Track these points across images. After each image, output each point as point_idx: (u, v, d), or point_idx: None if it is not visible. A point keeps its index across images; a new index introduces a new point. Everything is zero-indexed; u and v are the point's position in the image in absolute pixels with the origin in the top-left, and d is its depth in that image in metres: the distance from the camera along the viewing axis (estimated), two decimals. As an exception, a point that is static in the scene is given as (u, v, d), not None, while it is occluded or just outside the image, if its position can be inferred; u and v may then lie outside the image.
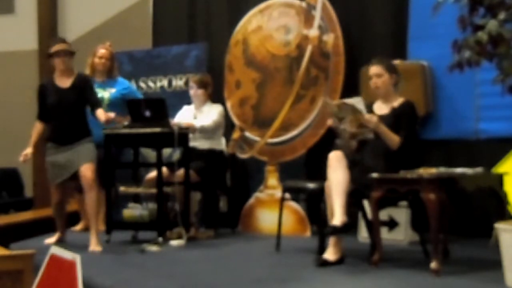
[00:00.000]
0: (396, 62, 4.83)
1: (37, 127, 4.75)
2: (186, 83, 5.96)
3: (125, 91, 5.49)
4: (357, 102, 3.90)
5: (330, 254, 3.81)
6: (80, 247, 4.39)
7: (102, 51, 5.46)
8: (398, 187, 3.61)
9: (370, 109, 4.05)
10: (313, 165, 5.40)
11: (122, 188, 4.97)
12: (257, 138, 5.74)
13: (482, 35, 3.07)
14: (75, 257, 2.77)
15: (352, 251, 4.14)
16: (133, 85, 5.99)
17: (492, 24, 3.06)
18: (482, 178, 3.80)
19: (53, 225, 5.02)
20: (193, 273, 3.76)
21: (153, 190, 4.80)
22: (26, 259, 3.44)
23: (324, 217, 4.02)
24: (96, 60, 5.44)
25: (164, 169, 4.88)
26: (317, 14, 5.51)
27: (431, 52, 4.89)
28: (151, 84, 6.33)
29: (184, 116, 5.38)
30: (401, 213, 4.59)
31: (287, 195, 4.59)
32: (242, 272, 3.76)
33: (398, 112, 4.03)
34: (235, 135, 5.80)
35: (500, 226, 3.20)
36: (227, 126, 5.62)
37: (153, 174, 4.96)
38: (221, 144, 5.43)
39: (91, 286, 3.43)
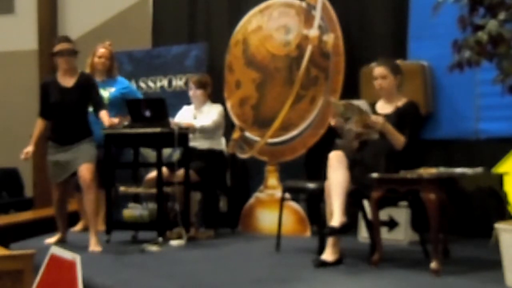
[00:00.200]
0: (396, 62, 4.84)
1: (39, 124, 4.75)
2: (186, 83, 5.96)
3: (125, 90, 5.49)
4: (362, 104, 3.91)
5: (328, 255, 3.81)
6: (80, 247, 4.39)
7: (101, 50, 5.46)
8: (398, 187, 3.61)
9: (372, 109, 4.05)
10: (313, 165, 5.40)
11: (122, 188, 4.97)
12: (257, 138, 5.74)
13: (482, 35, 3.07)
14: (75, 257, 2.77)
15: (352, 251, 4.14)
16: (133, 84, 5.99)
17: (492, 24, 3.06)
18: (482, 178, 3.80)
19: (53, 225, 5.02)
20: (193, 273, 3.76)
21: (153, 190, 4.80)
22: (26, 259, 3.44)
23: (324, 217, 4.02)
24: (96, 59, 5.45)
25: (164, 169, 4.88)
26: (317, 14, 5.51)
27: (431, 52, 4.89)
28: (151, 84, 6.33)
29: (184, 116, 5.38)
30: (401, 213, 4.59)
31: (287, 195, 4.58)
32: (242, 272, 3.76)
33: (402, 111, 4.03)
34: (235, 135, 5.80)
35: (500, 226, 3.20)
36: (227, 126, 5.62)
37: (153, 174, 4.96)
38: (221, 144, 5.43)
39: (91, 286, 3.43)
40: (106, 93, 5.33)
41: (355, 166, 3.91)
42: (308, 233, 5.30)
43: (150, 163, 5.40)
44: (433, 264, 3.43)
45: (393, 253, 4.13)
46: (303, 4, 5.60)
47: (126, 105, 4.99)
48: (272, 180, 5.63)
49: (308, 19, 5.56)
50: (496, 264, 3.29)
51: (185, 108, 5.50)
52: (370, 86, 4.31)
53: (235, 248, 4.75)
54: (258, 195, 5.68)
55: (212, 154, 5.27)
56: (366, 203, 4.15)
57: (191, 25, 6.53)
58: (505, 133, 4.64)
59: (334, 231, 3.73)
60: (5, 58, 8.07)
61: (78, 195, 5.20)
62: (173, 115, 5.26)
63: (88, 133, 4.71)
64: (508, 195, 3.80)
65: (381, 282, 3.40)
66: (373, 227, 3.82)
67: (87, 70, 5.34)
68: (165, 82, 6.28)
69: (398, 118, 3.98)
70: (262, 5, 5.87)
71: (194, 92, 5.37)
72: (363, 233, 4.72)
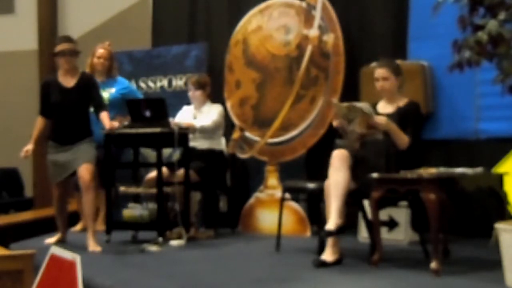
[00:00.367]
0: (396, 62, 4.84)
1: (39, 123, 4.75)
2: (186, 83, 5.95)
3: (125, 90, 5.49)
4: (364, 105, 3.91)
5: (328, 255, 3.81)
6: (80, 247, 4.39)
7: (100, 51, 5.46)
8: (398, 187, 3.61)
9: (374, 110, 4.05)
10: (313, 165, 5.40)
11: (122, 188, 4.97)
12: (257, 138, 5.73)
13: (482, 35, 3.07)
14: (75, 257, 2.77)
15: (352, 251, 4.15)
16: (133, 84, 5.99)
17: (492, 24, 3.06)
18: (482, 178, 3.80)
19: (53, 225, 5.02)
20: (193, 273, 3.76)
21: (153, 190, 4.80)
22: (26, 259, 3.44)
23: (324, 217, 4.01)
24: (95, 60, 5.45)
25: (164, 169, 4.88)
26: (317, 14, 5.51)
27: (431, 52, 4.89)
28: (151, 84, 6.33)
29: (184, 116, 5.38)
30: (401, 213, 4.59)
31: (287, 195, 4.58)
32: (242, 272, 3.77)
33: (404, 111, 4.03)
34: (235, 135, 5.80)
35: (500, 226, 3.20)
36: (227, 126, 5.62)
37: (153, 174, 4.96)
38: (221, 144, 5.43)
39: (91, 286, 3.43)
40: (106, 93, 5.33)
41: (357, 165, 3.91)
42: (308, 233, 5.30)
43: (150, 163, 5.40)
44: (433, 264, 3.43)
45: (393, 253, 4.13)
46: (303, 4, 5.60)
47: (126, 105, 4.99)
48: (272, 180, 5.63)
49: (308, 19, 5.56)
50: (496, 264, 3.29)
51: (185, 108, 5.50)
52: (370, 86, 4.31)
53: (235, 248, 4.75)
54: (258, 195, 5.68)
55: (212, 154, 5.27)
56: (366, 203, 4.15)
57: (191, 25, 6.53)
58: (505, 133, 4.64)
59: (330, 234, 3.74)
60: (5, 58, 8.07)
61: (78, 195, 5.19)
62: (173, 115, 5.26)
63: (88, 133, 4.71)
64: (508, 195, 3.80)
65: (381, 282, 3.40)
66: (373, 227, 3.82)
67: (87, 71, 5.34)
68: (165, 82, 6.28)
69: (400, 118, 3.98)
70: (262, 5, 5.87)
71: (193, 93, 5.37)
72: (363, 233, 4.72)
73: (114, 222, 4.95)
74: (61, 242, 4.75)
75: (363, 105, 3.93)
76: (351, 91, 5.13)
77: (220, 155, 5.37)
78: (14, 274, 3.38)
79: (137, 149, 5.14)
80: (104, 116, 4.66)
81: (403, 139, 3.91)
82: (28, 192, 8.15)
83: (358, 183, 3.89)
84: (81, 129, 4.69)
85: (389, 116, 3.97)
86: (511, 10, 3.07)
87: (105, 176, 4.95)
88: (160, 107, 4.81)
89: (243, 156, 5.78)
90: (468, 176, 3.67)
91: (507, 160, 4.45)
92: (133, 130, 4.80)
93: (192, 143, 5.13)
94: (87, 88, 4.70)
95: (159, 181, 4.76)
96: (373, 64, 4.32)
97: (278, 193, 5.19)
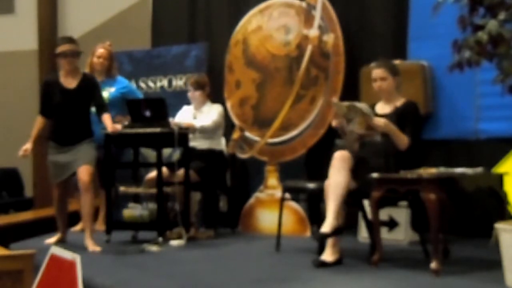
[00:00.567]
0: (396, 62, 4.83)
1: (39, 122, 4.74)
2: (186, 83, 5.95)
3: (125, 90, 5.49)
4: (364, 106, 3.91)
5: (328, 255, 3.81)
6: (80, 247, 4.40)
7: (100, 50, 5.46)
8: (398, 187, 3.61)
9: (372, 111, 4.05)
10: (313, 165, 5.40)
11: (122, 188, 4.97)
12: (257, 138, 5.74)
13: (482, 35, 3.07)
14: (75, 257, 2.77)
15: (352, 251, 4.15)
16: (132, 84, 5.99)
17: (492, 24, 3.06)
18: (482, 178, 3.80)
19: (53, 225, 5.02)
20: (193, 273, 3.76)
21: (153, 190, 4.80)
22: (26, 259, 3.44)
23: (324, 217, 4.01)
24: (95, 59, 5.45)
25: (164, 169, 4.88)
26: (317, 14, 5.51)
27: (431, 52, 4.89)
28: (151, 84, 6.33)
29: (184, 116, 5.38)
30: (401, 213, 4.59)
31: (287, 195, 4.58)
32: (242, 272, 3.76)
33: (401, 111, 4.04)
34: (235, 135, 5.80)
35: (500, 226, 3.20)
36: (227, 126, 5.62)
37: (153, 174, 4.96)
38: (221, 144, 5.43)
39: (91, 286, 3.43)
40: (105, 93, 5.32)
41: (358, 165, 3.91)
42: (308, 233, 5.30)
43: (150, 163, 5.40)
44: (433, 264, 3.43)
45: (393, 253, 4.13)
46: (303, 4, 5.60)
47: (126, 105, 4.99)
48: (272, 180, 5.63)
49: (308, 19, 5.56)
50: (496, 264, 3.29)
51: (185, 108, 5.50)
52: (370, 86, 4.30)
53: (235, 248, 4.75)
54: (258, 195, 5.68)
55: (212, 154, 5.27)
56: (366, 203, 4.15)
57: (191, 25, 6.53)
58: (505, 133, 4.64)
59: (325, 236, 3.74)
60: (5, 58, 8.07)
61: (79, 195, 5.20)
62: (173, 115, 5.26)
63: (89, 134, 4.71)
64: (508, 195, 3.80)
65: (381, 282, 3.40)
66: (373, 227, 3.82)
67: (86, 70, 5.34)
68: (165, 82, 6.28)
69: (398, 118, 3.98)
70: (262, 5, 5.87)
71: (192, 94, 5.37)
72: (363, 233, 4.72)
73: (114, 222, 4.95)
74: (61, 242, 4.75)
75: (363, 105, 3.93)
76: (351, 91, 5.13)
77: (220, 155, 5.37)
78: (14, 274, 3.38)
79: (137, 149, 5.14)
80: (107, 118, 4.66)
81: (402, 139, 3.91)
82: (28, 192, 8.15)
83: (358, 183, 3.89)
84: (81, 130, 4.68)
85: (387, 116, 3.97)
86: (511, 10, 3.07)
87: (105, 176, 4.94)
88: (160, 107, 4.81)
89: (243, 156, 5.78)
90: (468, 176, 3.67)
91: (507, 160, 4.45)
92: (133, 130, 4.80)
93: (192, 143, 5.13)
94: (89, 90, 4.70)
95: (159, 181, 4.76)
96: (371, 65, 4.31)
97: (278, 193, 5.19)
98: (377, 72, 4.12)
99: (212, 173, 5.23)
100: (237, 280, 3.54)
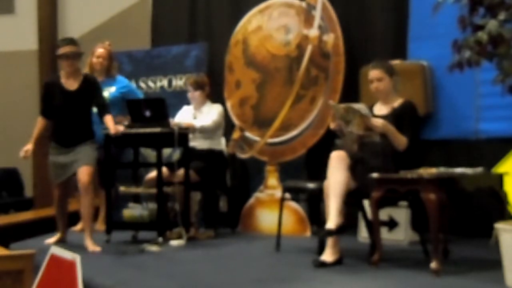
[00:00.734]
0: (396, 62, 4.84)
1: (40, 123, 4.73)
2: (186, 83, 5.95)
3: (125, 89, 5.49)
4: (361, 107, 3.91)
5: (327, 256, 3.81)
6: (80, 247, 4.40)
7: (100, 50, 5.46)
8: (398, 187, 3.61)
9: (371, 112, 4.05)
10: (313, 165, 5.40)
11: (122, 188, 4.97)
12: (257, 138, 5.74)
13: (482, 35, 3.07)
14: (75, 257, 2.77)
15: (352, 251, 4.14)
16: (132, 83, 5.99)
17: (492, 24, 3.06)
18: (482, 178, 3.80)
19: (53, 225, 5.02)
20: (193, 273, 3.76)
21: (153, 190, 4.80)
22: (26, 259, 3.44)
23: (324, 217, 4.01)
24: (94, 59, 5.44)
25: (164, 169, 4.88)
26: (317, 14, 5.51)
27: (431, 52, 4.89)
28: (151, 84, 6.33)
29: (184, 116, 5.38)
30: (401, 213, 4.59)
31: (287, 195, 4.58)
32: (242, 272, 3.76)
33: (399, 112, 4.03)
34: (235, 135, 5.80)
35: (500, 226, 3.20)
36: (227, 126, 5.62)
37: (153, 174, 4.96)
38: (221, 144, 5.43)
39: (91, 286, 3.43)
40: (106, 93, 5.31)
41: (357, 165, 3.91)
42: (308, 233, 5.30)
43: (150, 163, 5.40)
44: (433, 264, 3.43)
45: (393, 253, 4.13)
46: (303, 4, 5.60)
47: (126, 105, 4.98)
48: (272, 180, 5.63)
49: (308, 19, 5.56)
50: (496, 264, 3.29)
51: (185, 108, 5.50)
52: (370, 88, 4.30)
53: (235, 248, 4.75)
54: (258, 195, 5.68)
55: (212, 154, 5.27)
56: (366, 203, 4.15)
57: (191, 25, 6.53)
58: (505, 133, 4.64)
59: (330, 233, 3.74)
60: (5, 58, 8.07)
61: (79, 195, 5.20)
62: (173, 115, 5.26)
63: (90, 135, 4.71)
64: (508, 195, 3.80)
65: (381, 282, 3.40)
66: (373, 227, 3.82)
67: (86, 70, 5.33)
68: (165, 82, 6.28)
69: (395, 119, 3.98)
70: (262, 5, 5.87)
71: (192, 94, 5.37)
72: (363, 233, 4.72)
73: (114, 222, 4.95)
74: (61, 242, 4.74)
75: (360, 106, 3.93)
76: (351, 91, 5.13)
77: (220, 155, 5.37)
78: (14, 274, 3.38)
79: (137, 149, 5.15)
80: (109, 119, 4.66)
81: (401, 140, 3.91)
82: (28, 192, 8.15)
83: (358, 183, 3.89)
84: (83, 131, 4.68)
85: (384, 117, 3.97)
86: (511, 10, 3.07)
87: (105, 176, 4.94)
88: (160, 107, 4.81)
89: (243, 156, 5.78)
90: (468, 176, 3.67)
91: (507, 160, 4.45)
92: (133, 130, 4.80)
93: (192, 143, 5.13)
94: (90, 91, 4.69)
95: (159, 181, 4.76)
96: (368, 67, 4.30)
97: (278, 193, 5.19)
98: (374, 73, 4.12)
99: (212, 173, 5.23)
100: (237, 280, 3.54)
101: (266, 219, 5.53)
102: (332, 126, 4.05)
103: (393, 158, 3.92)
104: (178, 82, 6.21)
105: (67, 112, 4.64)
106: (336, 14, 5.43)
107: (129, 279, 3.63)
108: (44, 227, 5.47)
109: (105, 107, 4.73)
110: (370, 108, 4.13)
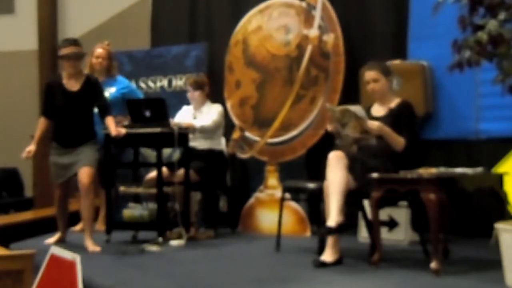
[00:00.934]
0: (396, 62, 4.84)
1: (41, 124, 4.73)
2: (186, 83, 5.95)
3: (125, 90, 5.49)
4: (358, 109, 3.91)
5: (327, 256, 3.80)
6: (80, 247, 4.40)
7: (99, 50, 5.46)
8: (398, 187, 3.61)
9: (368, 113, 4.05)
10: (313, 165, 5.40)
11: (122, 188, 4.97)
12: (257, 138, 5.74)
13: (482, 35, 3.07)
14: (75, 257, 2.78)
15: (352, 251, 4.14)
16: (132, 83, 5.98)
17: (492, 24, 3.06)
18: (482, 178, 3.80)
19: (53, 225, 5.02)
20: (193, 273, 3.76)
21: (153, 190, 4.80)
22: (26, 259, 3.44)
23: (324, 217, 4.01)
24: (94, 60, 5.44)
25: (164, 169, 4.88)
26: (317, 14, 5.51)
27: (431, 52, 4.89)
28: (151, 84, 6.33)
29: (184, 116, 5.37)
30: (401, 213, 4.59)
31: (287, 195, 4.58)
32: (242, 272, 3.76)
33: (396, 112, 4.04)
34: (235, 135, 5.80)
35: (500, 226, 3.20)
36: (227, 126, 5.62)
37: (153, 174, 4.96)
38: (221, 144, 5.43)
39: (91, 286, 3.43)
40: (106, 93, 5.31)
41: (355, 165, 3.92)
42: (308, 233, 5.30)
43: (150, 163, 5.40)
44: (433, 264, 3.43)
45: (393, 253, 4.13)
46: (303, 4, 5.60)
47: (126, 105, 4.98)
48: (272, 180, 5.63)
49: (308, 19, 5.56)
50: (496, 264, 3.29)
51: (185, 108, 5.50)
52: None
53: (235, 248, 4.75)
54: (258, 195, 5.68)
55: (212, 154, 5.27)
56: (366, 203, 4.15)
57: (191, 25, 6.53)
58: (505, 133, 4.64)
59: (331, 231, 3.74)
60: (5, 58, 8.07)
61: (79, 195, 5.20)
62: (173, 115, 5.26)
63: (91, 136, 4.71)
64: (508, 195, 3.80)
65: (381, 282, 3.40)
66: (373, 227, 3.82)
67: (87, 71, 5.33)
68: (165, 82, 6.28)
69: (392, 120, 3.98)
70: (262, 5, 5.87)
71: (192, 94, 5.37)
72: (363, 233, 4.72)
73: (114, 222, 4.95)
74: (61, 242, 4.74)
75: (356, 109, 3.93)
76: (351, 91, 5.13)
77: (220, 155, 5.37)
78: (14, 274, 3.38)
79: (137, 149, 5.14)
80: (110, 121, 4.65)
81: (398, 141, 3.91)
82: (28, 192, 8.15)
83: (358, 183, 3.89)
84: (84, 132, 4.68)
85: (381, 119, 3.98)
86: (511, 10, 3.07)
87: (105, 176, 4.94)
88: (160, 107, 4.81)
89: (243, 156, 5.78)
90: (468, 176, 3.67)
91: (507, 160, 4.45)
92: (133, 130, 4.80)
93: (192, 143, 5.13)
94: (92, 92, 4.69)
95: (159, 181, 4.76)
96: (364, 68, 4.30)
97: (278, 193, 5.19)
98: (369, 74, 4.12)
99: (212, 173, 5.23)
100: (237, 280, 3.54)
101: (266, 219, 5.53)
102: (329, 128, 4.05)
103: (392, 158, 3.92)
104: (178, 82, 6.21)
105: (68, 113, 4.64)
106: (336, 14, 5.43)
107: (129, 279, 3.63)
108: (44, 227, 5.47)
109: (106, 108, 4.73)
110: (368, 109, 4.14)
